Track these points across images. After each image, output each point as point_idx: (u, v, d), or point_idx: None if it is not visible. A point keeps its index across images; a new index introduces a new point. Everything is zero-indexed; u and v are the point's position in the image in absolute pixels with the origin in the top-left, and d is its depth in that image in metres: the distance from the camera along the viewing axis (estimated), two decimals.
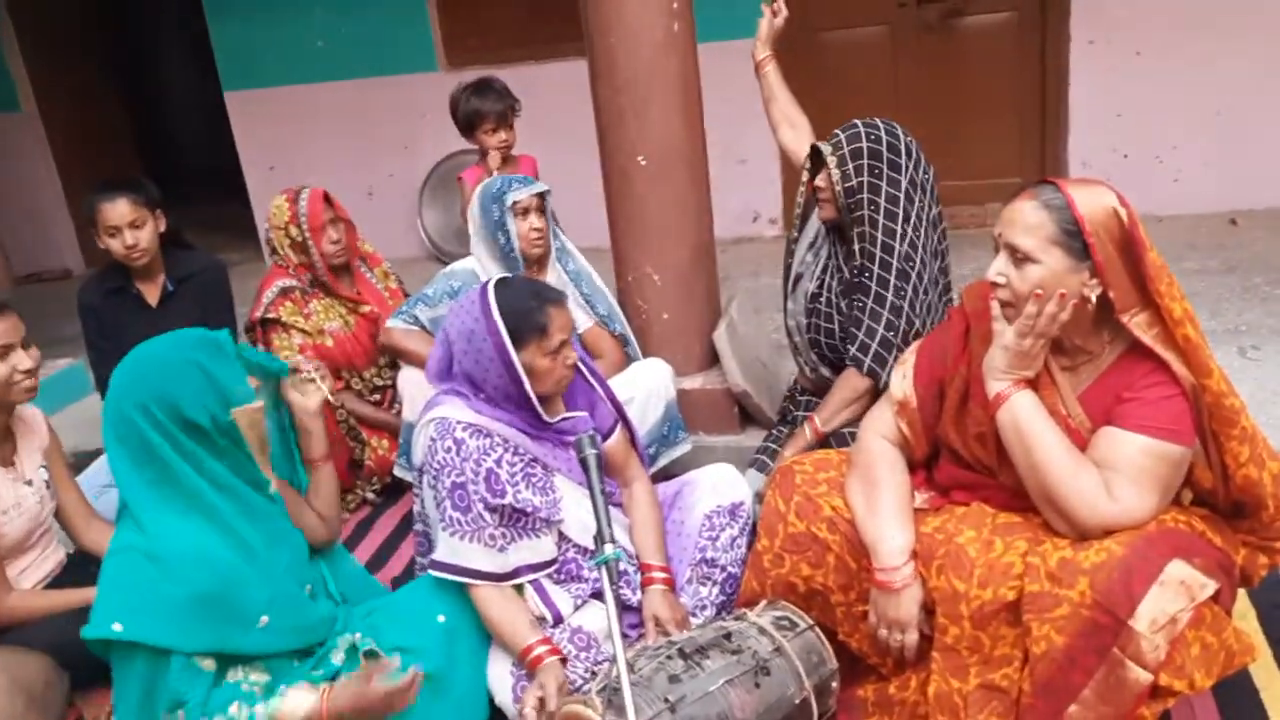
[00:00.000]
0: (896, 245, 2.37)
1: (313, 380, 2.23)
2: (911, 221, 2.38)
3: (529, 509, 2.07)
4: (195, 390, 1.84)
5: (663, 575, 2.15)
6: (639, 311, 3.10)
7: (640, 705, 1.67)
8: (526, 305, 2.06)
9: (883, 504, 1.87)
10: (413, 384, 2.84)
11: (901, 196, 2.38)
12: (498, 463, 2.05)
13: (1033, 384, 1.76)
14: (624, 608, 2.13)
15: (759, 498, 2.29)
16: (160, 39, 9.49)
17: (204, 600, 1.80)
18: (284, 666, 1.95)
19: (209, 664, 1.83)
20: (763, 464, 2.66)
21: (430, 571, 2.07)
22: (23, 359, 2.21)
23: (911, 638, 1.83)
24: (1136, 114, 4.84)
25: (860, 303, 2.42)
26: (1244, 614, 2.16)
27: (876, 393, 2.37)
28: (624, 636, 1.76)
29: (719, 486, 2.29)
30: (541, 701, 1.87)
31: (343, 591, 2.25)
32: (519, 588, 2.10)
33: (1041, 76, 5.02)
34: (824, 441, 2.43)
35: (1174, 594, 1.55)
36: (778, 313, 2.82)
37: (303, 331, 3.13)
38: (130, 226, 3.00)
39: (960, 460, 1.92)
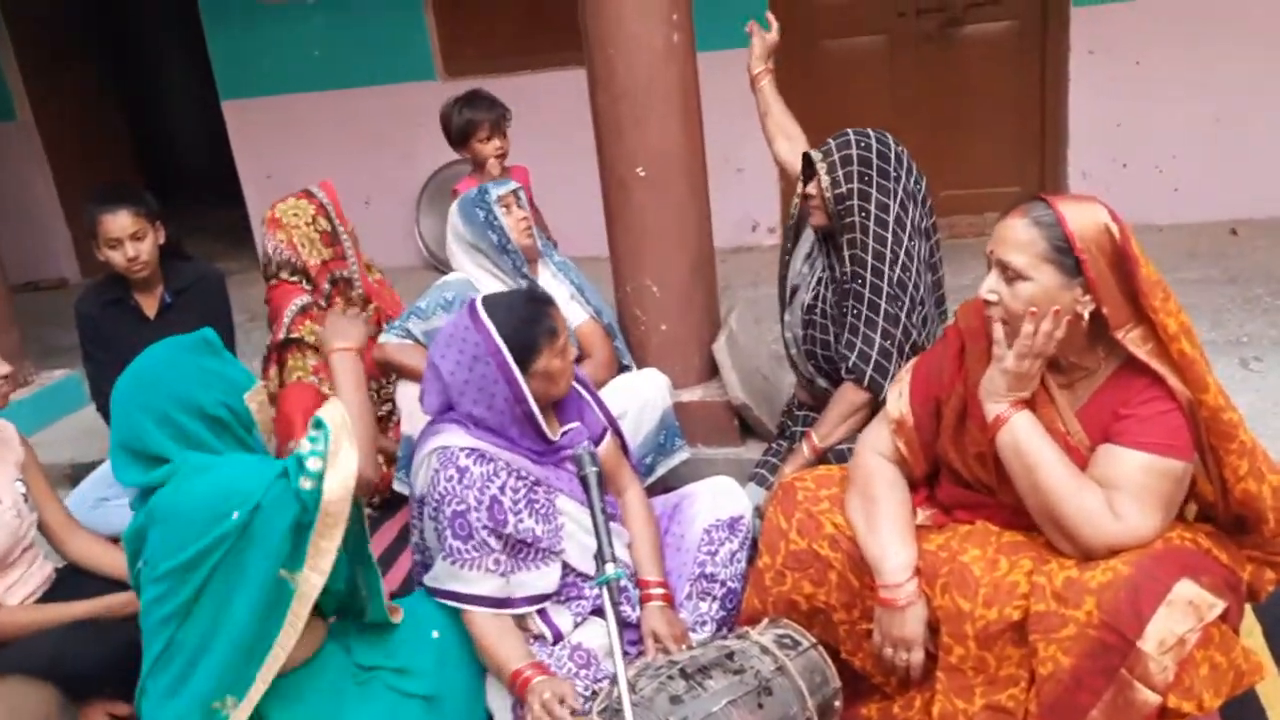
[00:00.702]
0: (888, 252, 2.35)
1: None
2: (907, 229, 2.36)
3: (529, 539, 2.03)
4: (209, 386, 1.84)
5: (661, 591, 2.12)
6: (638, 323, 3.07)
7: None
8: (528, 313, 2.03)
9: (882, 520, 1.85)
10: (410, 398, 2.80)
11: (894, 204, 2.36)
12: (501, 489, 2.01)
13: (1030, 402, 1.75)
14: (623, 624, 2.09)
15: (759, 512, 2.27)
16: (158, 47, 9.47)
17: None
18: None
19: None
20: (762, 478, 2.64)
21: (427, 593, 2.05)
22: None
23: (917, 656, 1.80)
24: (1136, 123, 4.83)
25: (855, 309, 2.39)
26: (1250, 630, 2.13)
27: (875, 406, 2.34)
28: (624, 654, 1.74)
29: (718, 500, 2.27)
30: (559, 700, 1.81)
31: None
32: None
33: (1041, 86, 5.01)
34: (822, 458, 2.41)
35: (1182, 614, 1.53)
36: (777, 323, 2.80)
37: (317, 351, 3.08)
38: (131, 239, 2.97)
39: (961, 480, 1.91)
